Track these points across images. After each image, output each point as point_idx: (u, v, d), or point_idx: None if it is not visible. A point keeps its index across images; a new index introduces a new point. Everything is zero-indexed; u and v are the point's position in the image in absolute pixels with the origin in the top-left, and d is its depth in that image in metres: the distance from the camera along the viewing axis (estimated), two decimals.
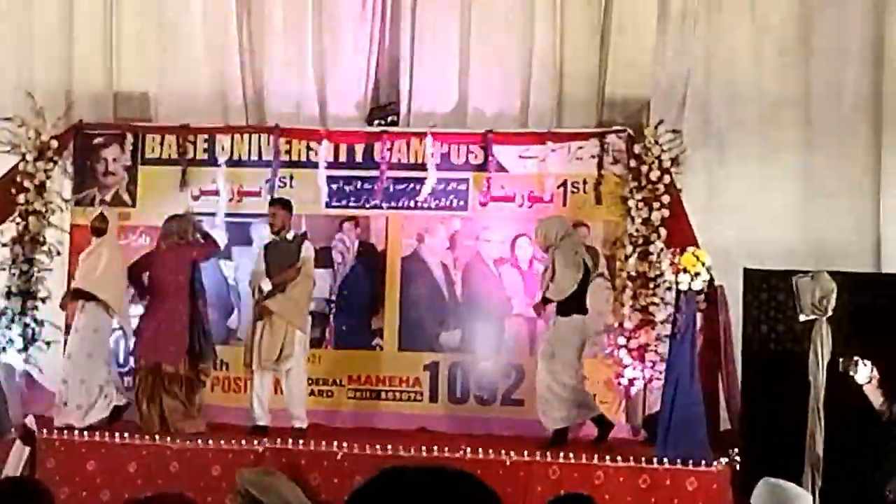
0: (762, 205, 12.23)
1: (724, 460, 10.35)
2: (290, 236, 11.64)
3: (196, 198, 12.83)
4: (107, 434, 11.12)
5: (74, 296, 11.67)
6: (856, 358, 8.63)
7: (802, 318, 9.63)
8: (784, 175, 12.31)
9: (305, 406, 11.61)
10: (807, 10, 12.44)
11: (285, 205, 11.73)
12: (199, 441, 10.84)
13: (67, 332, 12.56)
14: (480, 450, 10.65)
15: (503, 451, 10.62)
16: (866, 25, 12.32)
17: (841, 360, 8.82)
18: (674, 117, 12.34)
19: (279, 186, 12.61)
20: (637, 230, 11.95)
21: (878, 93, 12.26)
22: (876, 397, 8.65)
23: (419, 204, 12.53)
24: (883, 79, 12.23)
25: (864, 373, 8.59)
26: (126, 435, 11.12)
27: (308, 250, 11.66)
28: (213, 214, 12.72)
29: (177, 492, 3.51)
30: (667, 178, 11.91)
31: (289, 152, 12.77)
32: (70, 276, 12.52)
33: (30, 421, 11.36)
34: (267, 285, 11.44)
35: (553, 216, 11.80)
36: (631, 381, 11.86)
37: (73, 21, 13.42)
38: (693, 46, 12.56)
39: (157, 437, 11.03)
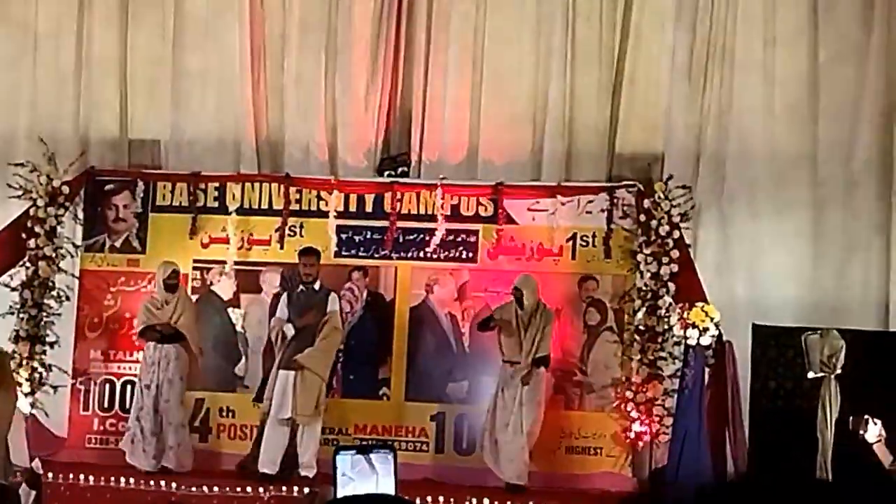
0: (772, 261, 12.26)
1: None
2: (317, 286, 11.71)
3: (205, 245, 12.86)
4: (112, 479, 11.11)
5: (160, 338, 11.83)
6: (866, 416, 8.62)
7: (811, 374, 9.63)
8: (794, 232, 12.34)
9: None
10: (818, 69, 12.48)
11: (318, 255, 11.86)
12: (205, 487, 10.84)
13: (74, 376, 12.62)
14: (486, 501, 10.62)
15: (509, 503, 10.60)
16: (878, 84, 12.37)
17: (851, 418, 8.80)
18: (685, 173, 12.36)
19: (289, 235, 12.65)
20: (646, 284, 11.95)
21: (887, 151, 12.30)
22: (885, 456, 8.62)
23: (428, 254, 12.56)
24: (893, 137, 12.26)
25: (875, 431, 8.56)
26: (131, 480, 11.11)
27: (335, 302, 11.75)
28: (222, 262, 12.75)
29: None
30: (676, 233, 11.92)
31: (299, 201, 12.80)
32: (79, 321, 12.60)
33: (36, 465, 11.37)
34: (290, 331, 11.49)
35: (527, 276, 11.85)
36: (638, 435, 11.81)
37: (86, 67, 13.50)
38: (705, 103, 12.60)
39: (161, 482, 11.00)
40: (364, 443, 11.47)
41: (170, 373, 11.77)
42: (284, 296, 11.91)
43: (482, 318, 11.91)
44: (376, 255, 12.63)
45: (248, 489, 10.94)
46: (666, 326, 11.64)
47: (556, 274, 12.24)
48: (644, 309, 11.92)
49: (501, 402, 11.54)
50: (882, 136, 12.36)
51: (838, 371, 9.49)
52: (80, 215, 13.03)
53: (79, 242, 12.94)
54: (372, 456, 4.18)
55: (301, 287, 11.79)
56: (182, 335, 11.88)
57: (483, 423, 11.77)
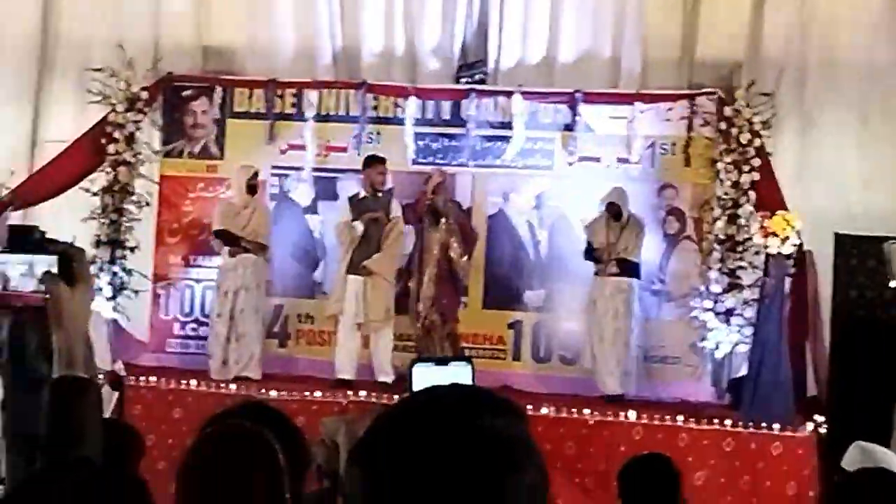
0: (854, 170, 12.10)
1: (810, 426, 10.26)
2: (380, 193, 11.73)
3: (283, 152, 12.89)
4: (193, 382, 11.24)
5: (230, 244, 11.89)
6: None
7: (893, 283, 9.50)
8: (877, 141, 12.16)
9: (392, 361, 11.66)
10: None
11: (385, 163, 11.85)
12: (285, 392, 10.92)
13: (155, 281, 12.74)
14: (564, 409, 10.64)
15: (586, 411, 10.61)
16: None
17: None
18: (766, 81, 12.17)
19: (366, 142, 12.63)
20: (726, 193, 11.82)
21: None
22: None
23: (506, 162, 12.49)
24: None
25: None
26: (212, 384, 11.25)
27: (398, 208, 11.74)
28: (300, 169, 12.77)
29: (265, 402, 3.53)
30: (757, 142, 11.77)
31: (376, 108, 12.77)
32: (159, 226, 12.72)
33: (118, 367, 11.53)
34: (360, 228, 11.58)
35: (617, 187, 11.76)
36: (717, 345, 11.74)
37: None
38: (790, 10, 12.37)
39: (242, 386, 11.12)
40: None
41: (247, 280, 11.81)
42: (346, 200, 11.93)
43: (585, 251, 11.81)
44: (453, 163, 12.58)
45: (328, 394, 11.01)
46: (746, 235, 11.53)
47: (636, 182, 12.11)
48: (724, 218, 11.80)
49: (594, 316, 11.50)
50: None
51: None
52: (159, 121, 13.08)
53: (158, 148, 13.00)
54: (449, 367, 4.18)
55: (362, 193, 11.77)
56: (260, 244, 11.90)
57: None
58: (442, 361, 3.86)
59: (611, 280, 11.45)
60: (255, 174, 12.16)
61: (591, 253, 11.70)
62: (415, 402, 1.89)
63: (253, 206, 12.01)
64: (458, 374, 4.06)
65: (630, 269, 11.52)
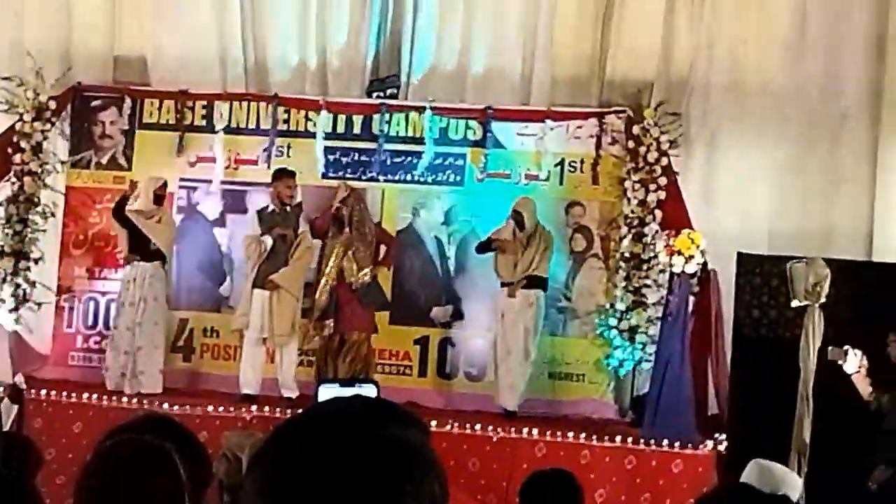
0: (759, 191, 12.26)
1: (710, 443, 10.37)
2: (288, 207, 11.71)
3: (192, 164, 12.81)
4: (94, 396, 11.13)
5: (140, 253, 11.81)
6: (846, 347, 8.65)
7: (795, 303, 9.64)
8: (781, 162, 12.32)
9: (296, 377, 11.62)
10: (810, 2, 12.41)
11: (294, 177, 11.85)
12: (188, 407, 10.85)
13: (59, 293, 12.60)
14: (468, 425, 10.67)
15: (490, 427, 10.65)
16: (869, 19, 12.33)
17: (830, 348, 8.83)
18: (675, 101, 12.32)
19: (276, 155, 12.60)
20: (633, 211, 11.93)
21: (877, 86, 12.29)
22: (864, 387, 8.67)
23: (416, 177, 12.52)
24: (885, 71, 12.24)
25: (854, 362, 8.60)
26: (114, 398, 11.16)
27: (305, 223, 11.73)
28: (209, 181, 12.70)
29: (165, 415, 3.51)
30: (664, 161, 11.89)
31: (287, 121, 12.74)
32: (64, 238, 12.60)
33: (18, 380, 11.38)
34: (269, 242, 11.51)
35: (527, 196, 11.83)
36: (621, 363, 11.84)
37: None
38: (698, 32, 12.53)
39: (144, 401, 11.03)
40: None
41: (146, 291, 11.73)
42: (255, 214, 11.89)
43: (481, 241, 11.86)
44: (364, 177, 12.57)
45: (232, 409, 10.96)
46: (652, 254, 11.64)
47: (544, 199, 12.16)
48: (630, 236, 11.91)
49: (501, 330, 11.54)
50: (871, 70, 12.34)
51: (822, 300, 9.49)
52: (67, 131, 12.94)
53: (65, 158, 12.86)
54: (355, 388, 4.19)
55: (271, 206, 11.74)
56: (161, 254, 11.84)
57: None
58: (347, 383, 3.85)
59: (519, 293, 11.48)
60: (164, 185, 12.07)
61: (486, 245, 11.75)
62: (317, 411, 1.90)
63: (159, 216, 11.93)
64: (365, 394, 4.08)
65: (537, 282, 11.56)
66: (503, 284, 11.61)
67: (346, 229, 11.76)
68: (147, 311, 11.70)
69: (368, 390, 4.03)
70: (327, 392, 4.01)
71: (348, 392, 4.12)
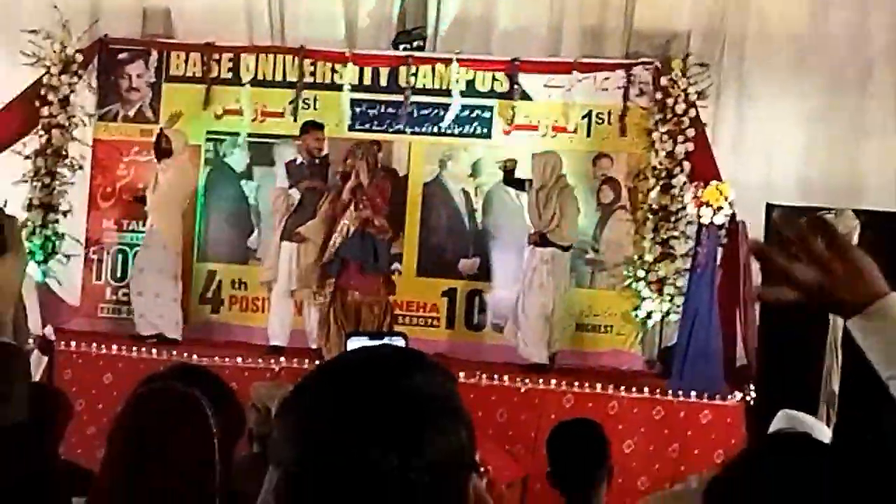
0: (788, 142, 12.19)
1: (738, 395, 10.37)
2: (317, 160, 11.70)
3: (219, 117, 12.81)
4: (123, 347, 11.20)
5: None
6: None
7: None
8: (810, 113, 12.24)
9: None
10: None
11: (323, 130, 11.85)
12: (217, 358, 10.89)
13: (87, 246, 12.65)
14: (496, 377, 10.70)
15: (518, 379, 10.67)
16: None
17: None
18: (703, 52, 12.23)
19: (303, 108, 12.59)
20: (661, 163, 11.87)
21: None
22: None
23: (443, 130, 12.50)
24: None
25: None
26: (143, 349, 11.21)
27: (334, 175, 11.71)
28: (236, 134, 12.71)
29: (198, 365, 3.53)
30: (692, 112, 11.82)
31: (314, 74, 12.71)
32: (92, 190, 12.64)
33: (48, 332, 11.45)
34: (296, 196, 11.55)
35: (549, 152, 11.73)
36: (649, 314, 11.82)
37: None
38: None
39: (174, 352, 11.09)
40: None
41: (162, 240, 11.83)
42: (283, 166, 11.89)
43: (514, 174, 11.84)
44: (390, 130, 12.57)
45: (260, 360, 11.01)
46: (680, 205, 11.60)
47: (571, 151, 12.13)
48: (658, 187, 11.86)
49: (524, 285, 11.51)
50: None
51: None
52: (94, 84, 12.96)
53: (92, 111, 12.88)
54: (384, 341, 4.17)
55: (299, 159, 11.73)
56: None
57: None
58: (376, 335, 3.86)
59: (537, 251, 11.45)
60: (164, 136, 12.07)
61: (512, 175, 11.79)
62: (344, 360, 1.91)
63: (167, 166, 11.98)
64: None
65: (552, 242, 11.51)
66: (531, 242, 11.58)
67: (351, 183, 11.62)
68: (163, 259, 11.84)
69: (397, 342, 4.01)
70: (356, 344, 4.00)
71: (377, 343, 4.13)
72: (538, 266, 11.40)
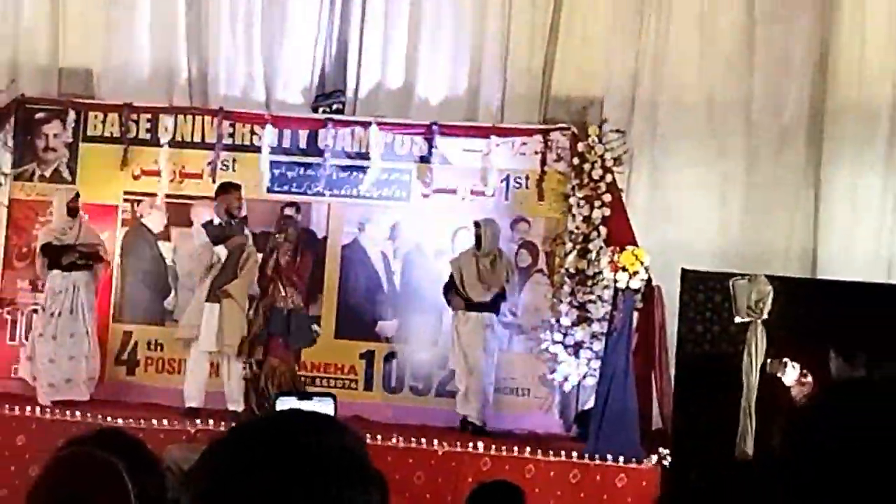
0: (703, 208, 12.38)
1: (654, 458, 10.42)
2: (234, 220, 11.66)
3: (137, 177, 12.76)
4: (38, 409, 11.05)
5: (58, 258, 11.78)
6: (784, 359, 8.73)
7: (738, 319, 9.72)
8: (725, 180, 12.46)
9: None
10: (754, 21, 12.56)
11: (240, 190, 11.80)
12: (132, 420, 10.77)
13: (2, 306, 12.51)
14: (413, 439, 10.69)
15: (436, 441, 10.66)
16: (811, 39, 12.49)
17: (769, 361, 8.92)
18: (619, 118, 12.41)
19: (222, 169, 12.58)
20: (577, 227, 12.01)
21: (819, 104, 12.43)
22: (799, 392, 8.74)
23: (361, 193, 12.53)
24: (826, 91, 12.38)
25: (792, 375, 8.69)
26: (57, 411, 11.08)
27: (250, 236, 11.68)
28: (153, 195, 12.65)
29: (120, 430, 3.50)
30: (609, 177, 11.98)
31: (232, 135, 12.73)
32: (7, 250, 12.53)
33: None
34: (224, 253, 11.44)
35: (490, 220, 11.83)
36: (565, 378, 11.89)
37: None
38: (641, 49, 12.64)
39: (88, 414, 10.96)
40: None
41: (77, 301, 11.70)
42: (200, 227, 11.82)
43: (446, 285, 11.81)
44: (309, 192, 12.60)
45: (176, 422, 10.91)
46: (596, 269, 11.70)
47: (489, 215, 12.18)
48: (575, 252, 11.98)
49: (461, 353, 11.54)
50: (814, 90, 12.48)
51: (765, 316, 9.58)
52: (10, 143, 12.86)
53: (8, 171, 12.77)
54: (313, 401, 4.19)
55: (216, 219, 11.68)
56: (89, 263, 11.79)
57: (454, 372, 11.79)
58: (305, 396, 3.88)
59: (473, 315, 11.51)
60: (76, 196, 12.03)
61: (447, 292, 11.75)
62: (253, 424, 1.92)
63: (75, 224, 11.91)
64: (321, 408, 4.06)
65: (490, 304, 11.60)
66: (468, 306, 11.61)
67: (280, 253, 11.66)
68: (80, 321, 11.69)
69: (326, 403, 4.03)
70: (284, 404, 4.02)
71: (306, 404, 4.13)
72: (476, 328, 11.43)
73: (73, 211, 11.92)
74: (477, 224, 11.69)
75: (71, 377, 11.67)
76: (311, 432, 1.82)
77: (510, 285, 11.67)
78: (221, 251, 11.48)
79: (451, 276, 11.69)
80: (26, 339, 12.57)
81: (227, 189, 11.77)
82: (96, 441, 3.31)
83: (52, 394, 11.57)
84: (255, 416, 2.32)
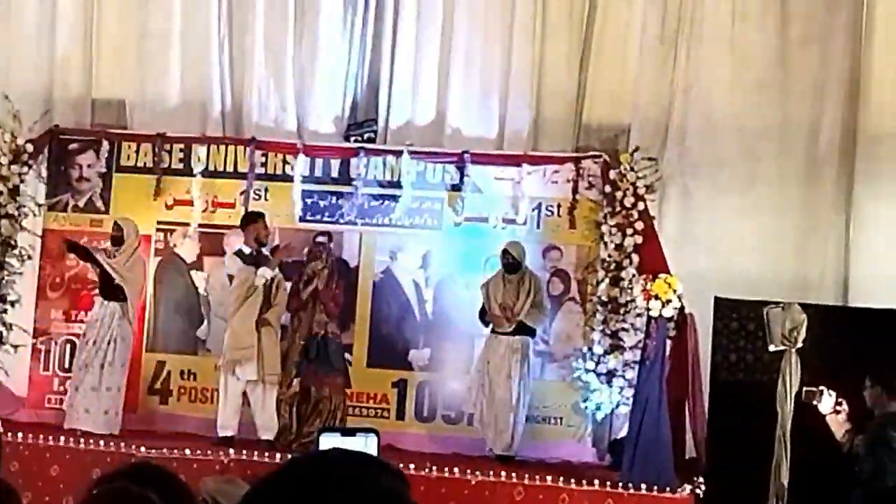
0: (735, 235, 12.35)
1: (688, 487, 10.37)
2: (265, 250, 11.66)
3: (170, 207, 12.81)
4: (71, 439, 11.08)
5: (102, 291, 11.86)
6: (821, 388, 8.66)
7: (772, 348, 9.66)
8: (758, 207, 12.42)
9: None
10: (786, 45, 12.54)
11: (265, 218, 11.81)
12: (165, 450, 10.79)
13: (35, 336, 12.55)
14: (446, 468, 10.66)
15: (469, 471, 10.63)
16: (844, 63, 12.45)
17: (805, 389, 8.85)
18: (651, 145, 12.40)
19: (254, 199, 12.62)
20: (609, 255, 12.00)
21: (852, 129, 12.39)
22: (838, 428, 8.66)
23: (393, 221, 12.54)
24: (858, 116, 12.34)
25: (828, 403, 8.60)
26: (91, 441, 11.10)
27: (277, 264, 11.66)
28: (186, 224, 12.70)
29: (156, 464, 3.50)
30: (641, 205, 11.96)
31: (265, 165, 12.77)
32: (41, 280, 12.59)
33: None
34: (268, 274, 11.44)
35: (517, 242, 11.84)
36: (598, 406, 11.86)
37: (53, 25, 13.39)
38: (673, 76, 12.63)
39: (121, 444, 10.99)
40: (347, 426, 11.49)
41: (114, 332, 11.74)
42: (234, 256, 11.78)
43: (480, 310, 11.84)
44: (341, 221, 12.62)
45: (209, 452, 10.92)
46: (629, 298, 11.69)
47: (516, 241, 12.17)
48: (607, 280, 11.97)
49: (487, 376, 11.52)
50: (846, 115, 12.45)
51: (799, 345, 9.52)
52: (44, 174, 12.96)
53: (42, 201, 12.86)
54: (356, 437, 4.17)
55: (247, 249, 11.68)
56: (123, 295, 11.82)
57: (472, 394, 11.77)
58: (348, 432, 3.89)
59: (504, 339, 11.50)
60: (116, 225, 12.08)
61: (484, 315, 11.74)
62: (300, 462, 1.92)
63: (125, 257, 11.94)
64: (364, 444, 4.05)
65: (525, 327, 11.58)
66: (493, 332, 11.61)
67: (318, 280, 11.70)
68: (118, 351, 11.71)
69: (370, 440, 4.02)
70: (329, 441, 4.01)
71: (349, 441, 4.11)
72: (507, 354, 11.41)
73: (116, 240, 11.98)
74: (504, 250, 11.67)
75: (106, 408, 11.68)
76: (355, 473, 1.83)
77: (538, 307, 11.60)
78: (266, 274, 11.43)
79: (483, 304, 11.72)
80: (59, 369, 12.64)
81: (254, 219, 11.77)
82: (131, 475, 3.33)
83: (84, 421, 11.58)
84: (299, 456, 2.32)
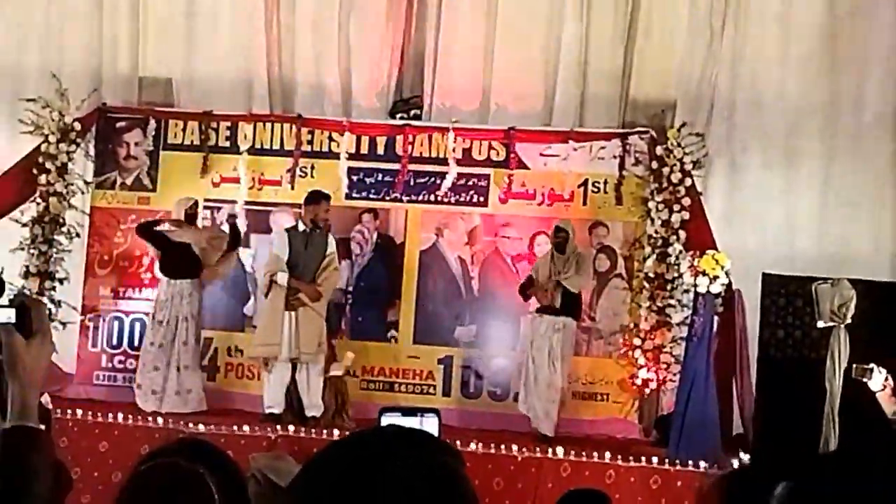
0: (783, 211, 12.29)
1: (735, 463, 10.34)
2: (318, 229, 11.65)
3: (217, 184, 12.86)
4: (120, 415, 11.16)
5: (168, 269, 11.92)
6: (871, 365, 8.59)
7: (821, 324, 9.60)
8: (805, 182, 12.36)
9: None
10: (833, 20, 12.45)
11: (330, 200, 11.77)
12: (213, 426, 10.86)
13: (84, 313, 12.64)
14: (492, 445, 10.66)
15: (515, 447, 10.64)
16: (891, 37, 12.33)
17: (854, 366, 8.78)
18: (697, 121, 12.34)
19: (300, 176, 12.64)
20: (656, 232, 11.95)
21: None
22: (889, 405, 8.59)
23: (439, 198, 12.55)
24: None
25: (879, 380, 8.53)
26: (139, 417, 11.18)
27: (333, 244, 11.66)
28: (233, 202, 12.74)
29: (205, 440, 3.53)
30: (688, 181, 11.90)
31: (311, 142, 12.79)
32: (89, 258, 12.67)
33: (45, 400, 11.35)
34: (283, 280, 11.38)
35: (566, 222, 11.78)
36: (645, 382, 11.84)
37: (101, 4, 13.46)
38: (720, 51, 12.56)
39: (169, 420, 11.06)
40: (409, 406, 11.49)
41: (184, 310, 11.79)
42: (284, 235, 11.70)
43: (522, 283, 11.83)
44: (387, 198, 12.64)
45: (256, 428, 10.97)
46: (675, 274, 11.65)
47: (567, 220, 12.17)
48: (654, 256, 11.93)
49: (530, 357, 11.50)
50: (894, 89, 12.32)
51: (848, 321, 9.46)
52: (92, 152, 13.04)
53: (90, 179, 12.95)
54: (417, 417, 4.16)
55: (301, 226, 11.70)
56: (197, 269, 11.88)
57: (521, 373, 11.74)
58: (409, 412, 3.88)
59: (546, 318, 11.47)
60: (195, 204, 12.20)
61: (525, 289, 11.72)
62: (356, 438, 1.93)
63: (192, 231, 12.07)
64: (426, 424, 4.05)
65: (568, 305, 11.51)
66: (538, 311, 11.59)
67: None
68: (188, 330, 11.79)
69: (430, 419, 4.01)
70: (390, 419, 4.00)
71: (410, 421, 4.11)
72: (547, 334, 11.38)
73: (191, 218, 12.08)
74: (557, 227, 11.63)
75: (177, 389, 11.76)
76: (411, 449, 1.84)
77: (579, 274, 11.51)
78: (282, 278, 11.44)
79: (529, 276, 11.67)
80: (108, 345, 12.74)
81: (318, 199, 11.64)
82: (181, 451, 3.34)
83: (155, 403, 11.69)
84: (357, 431, 2.33)
